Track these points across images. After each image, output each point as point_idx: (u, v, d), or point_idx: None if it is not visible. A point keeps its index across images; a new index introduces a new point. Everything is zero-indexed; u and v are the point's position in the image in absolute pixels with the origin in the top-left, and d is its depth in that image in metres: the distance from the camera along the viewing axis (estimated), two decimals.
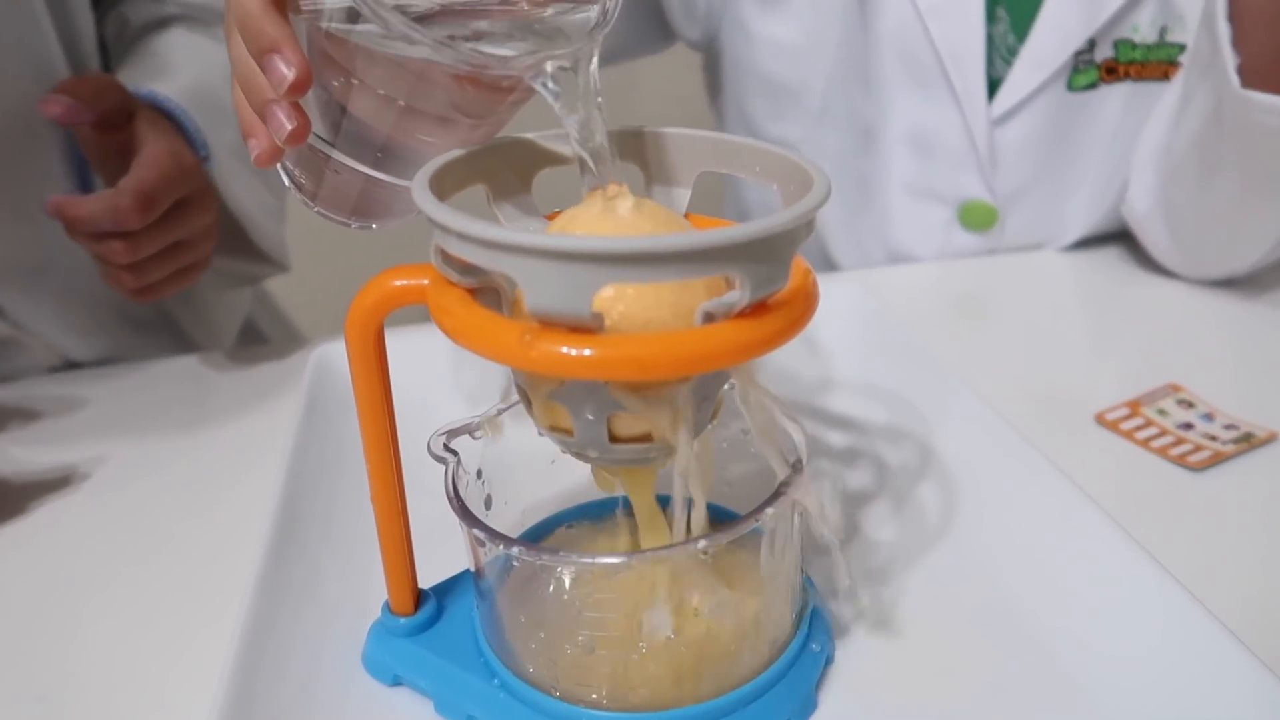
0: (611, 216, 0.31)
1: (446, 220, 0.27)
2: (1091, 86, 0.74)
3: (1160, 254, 0.72)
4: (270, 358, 0.67)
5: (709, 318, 0.29)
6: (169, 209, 0.58)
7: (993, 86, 0.74)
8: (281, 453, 0.48)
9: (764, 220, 0.27)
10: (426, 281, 0.31)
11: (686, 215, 0.37)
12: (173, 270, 0.60)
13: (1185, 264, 0.71)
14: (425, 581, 0.40)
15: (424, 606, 0.38)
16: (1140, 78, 0.73)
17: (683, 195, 0.37)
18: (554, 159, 0.36)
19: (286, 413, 0.53)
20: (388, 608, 0.38)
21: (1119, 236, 0.79)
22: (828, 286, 0.67)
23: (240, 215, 0.67)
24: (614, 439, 0.32)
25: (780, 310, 0.29)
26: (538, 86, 0.31)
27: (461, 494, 0.35)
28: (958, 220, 0.77)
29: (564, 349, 0.27)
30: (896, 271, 0.77)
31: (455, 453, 0.37)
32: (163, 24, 0.72)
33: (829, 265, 0.84)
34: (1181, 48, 0.72)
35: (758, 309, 0.29)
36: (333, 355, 0.57)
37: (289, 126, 0.33)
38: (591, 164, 0.33)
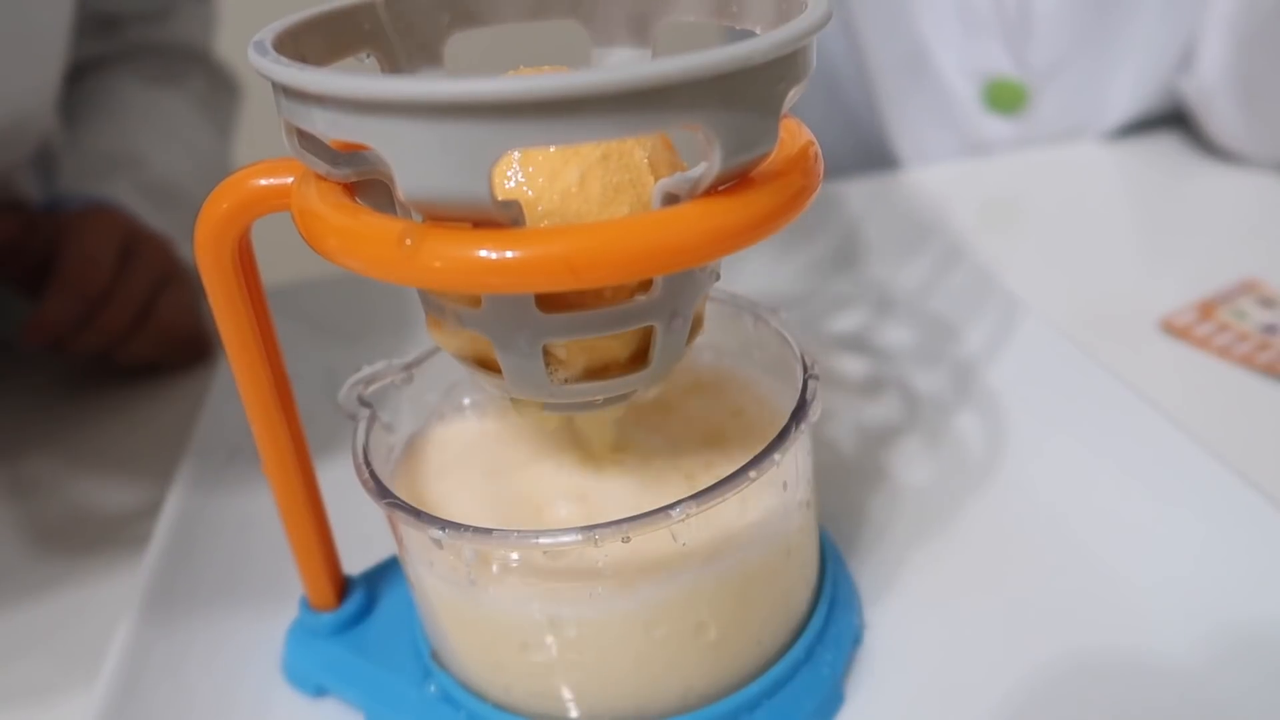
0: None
1: (267, 69, 0.19)
2: None
3: (1228, 133, 0.62)
4: None
5: (670, 200, 0.21)
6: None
7: None
8: (192, 420, 0.40)
9: (740, 45, 0.18)
10: (294, 180, 0.23)
11: None
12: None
13: (1261, 143, 0.60)
14: (359, 566, 0.33)
15: (349, 599, 0.31)
16: None
17: (642, 58, 0.28)
18: (470, 14, 0.28)
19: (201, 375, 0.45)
20: (306, 603, 0.31)
21: (1167, 122, 0.69)
22: (846, 188, 0.59)
23: None
24: (558, 377, 0.24)
25: (767, 185, 0.21)
26: None
27: (373, 459, 0.27)
28: (982, 101, 0.67)
29: (460, 251, 0.19)
30: (922, 171, 0.68)
31: (370, 406, 0.29)
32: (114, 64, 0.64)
33: (885, 161, 0.73)
34: None
35: (736, 184, 0.20)
36: None
37: None
38: None
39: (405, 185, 0.19)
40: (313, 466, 0.29)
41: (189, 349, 0.53)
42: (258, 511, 0.36)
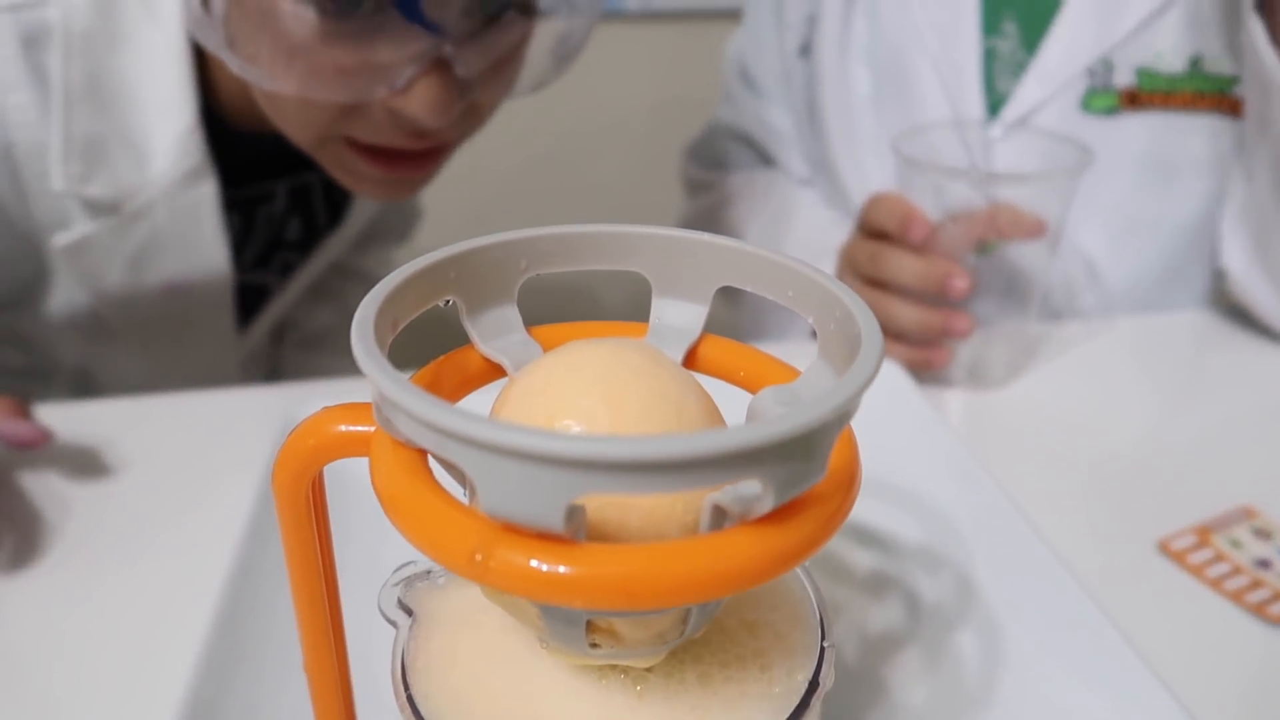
0: (581, 376, 0.24)
1: (382, 384, 0.21)
2: (1110, 111, 0.70)
3: (1274, 319, 0.66)
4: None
5: (719, 515, 0.23)
6: None
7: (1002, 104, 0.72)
8: (231, 546, 0.42)
9: (797, 412, 0.20)
10: (374, 429, 0.25)
11: (703, 336, 0.31)
12: None
13: None
14: None
15: None
16: (1166, 107, 0.69)
17: (697, 313, 0.30)
18: (546, 259, 0.30)
19: (249, 486, 0.47)
20: None
21: (1179, 313, 0.72)
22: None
23: None
24: (596, 643, 0.25)
25: (812, 509, 0.23)
26: None
27: (410, 675, 0.28)
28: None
29: (526, 571, 0.21)
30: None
31: (410, 612, 0.30)
32: None
33: None
34: (1219, 79, 0.68)
35: (784, 508, 0.22)
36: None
37: None
38: None
39: (486, 503, 0.21)
40: (350, 670, 0.30)
41: None
42: (283, 698, 0.37)
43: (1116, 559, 0.47)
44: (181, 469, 0.55)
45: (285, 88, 0.48)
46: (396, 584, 0.31)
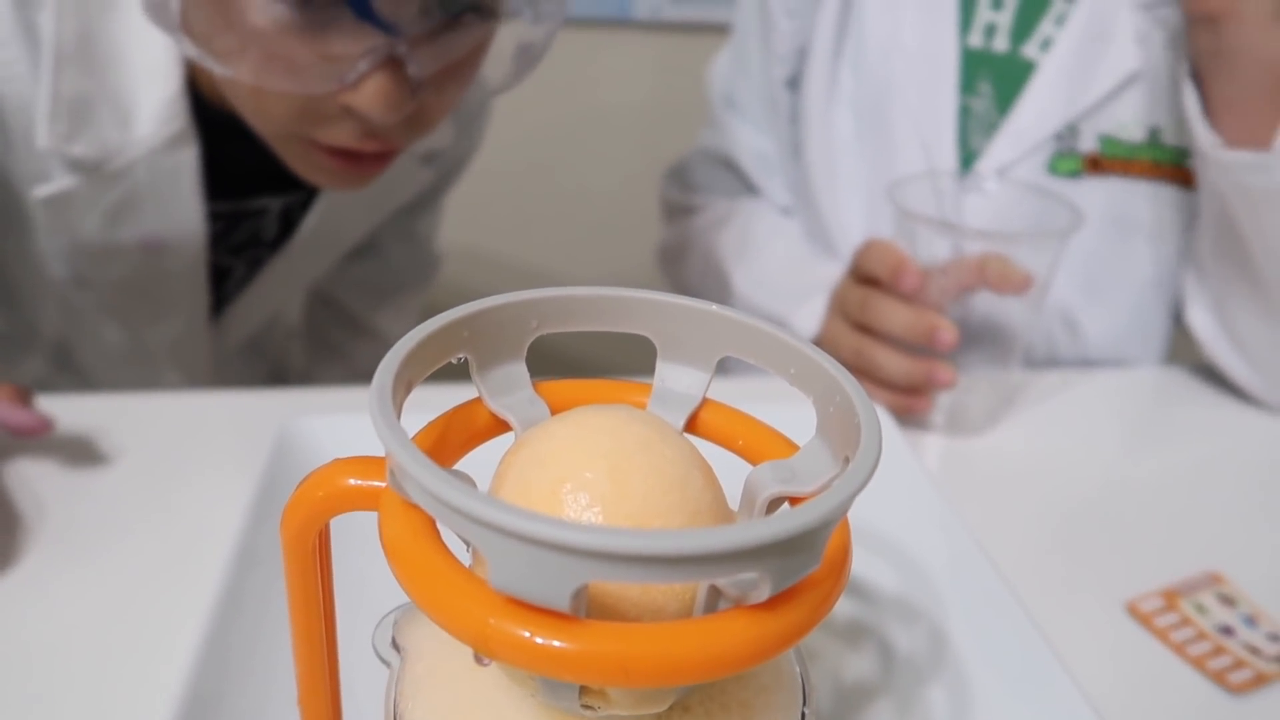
0: (586, 448, 0.25)
1: (403, 459, 0.22)
2: (1074, 174, 0.73)
3: (1245, 384, 0.69)
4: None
5: (715, 594, 0.24)
6: None
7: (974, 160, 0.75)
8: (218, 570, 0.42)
9: (798, 512, 0.21)
10: (384, 485, 0.26)
11: (704, 402, 0.31)
12: None
13: (1270, 391, 0.68)
14: None
15: None
16: (1126, 174, 0.73)
17: (701, 380, 0.31)
18: (555, 319, 0.31)
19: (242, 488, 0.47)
20: None
21: (1155, 368, 0.74)
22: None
23: None
24: (588, 704, 0.26)
25: (806, 594, 0.24)
26: None
27: (402, 710, 0.29)
28: None
29: (533, 640, 0.22)
30: None
31: (399, 652, 0.31)
32: None
33: None
34: (1173, 151, 0.72)
35: (779, 594, 0.23)
36: (304, 435, 0.51)
37: None
38: None
39: (494, 579, 0.22)
40: (341, 703, 0.31)
41: None
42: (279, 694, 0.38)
43: (1086, 617, 0.48)
44: (171, 469, 0.55)
45: (237, 76, 0.49)
46: (391, 622, 0.32)
